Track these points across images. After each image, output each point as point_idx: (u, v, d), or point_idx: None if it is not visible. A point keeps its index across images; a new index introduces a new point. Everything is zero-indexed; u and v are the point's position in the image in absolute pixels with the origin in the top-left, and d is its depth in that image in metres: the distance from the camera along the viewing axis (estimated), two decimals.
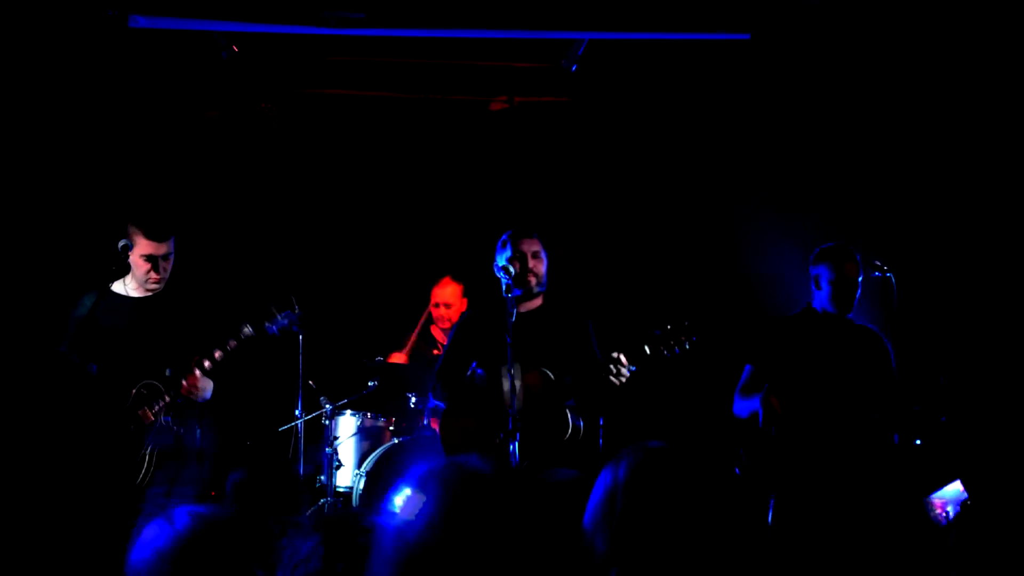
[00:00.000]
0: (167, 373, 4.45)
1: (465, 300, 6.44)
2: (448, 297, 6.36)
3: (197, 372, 4.42)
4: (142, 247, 4.45)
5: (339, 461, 6.00)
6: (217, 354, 4.44)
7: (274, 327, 4.57)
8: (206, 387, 4.49)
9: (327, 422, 6.02)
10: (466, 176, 7.20)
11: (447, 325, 6.34)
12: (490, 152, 7.17)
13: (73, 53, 6.26)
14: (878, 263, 4.74)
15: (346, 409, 6.14)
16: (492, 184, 7.17)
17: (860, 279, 4.72)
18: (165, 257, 4.49)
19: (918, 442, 4.65)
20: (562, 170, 7.21)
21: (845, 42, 5.94)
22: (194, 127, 6.86)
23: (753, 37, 5.76)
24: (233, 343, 4.46)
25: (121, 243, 4.43)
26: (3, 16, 5.62)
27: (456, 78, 6.92)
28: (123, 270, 4.48)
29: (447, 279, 6.46)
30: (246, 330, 4.47)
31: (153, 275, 4.47)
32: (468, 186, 7.20)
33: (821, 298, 4.78)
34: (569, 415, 4.61)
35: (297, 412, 6.00)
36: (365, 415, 6.20)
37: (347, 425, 6.17)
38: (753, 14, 5.67)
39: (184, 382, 4.42)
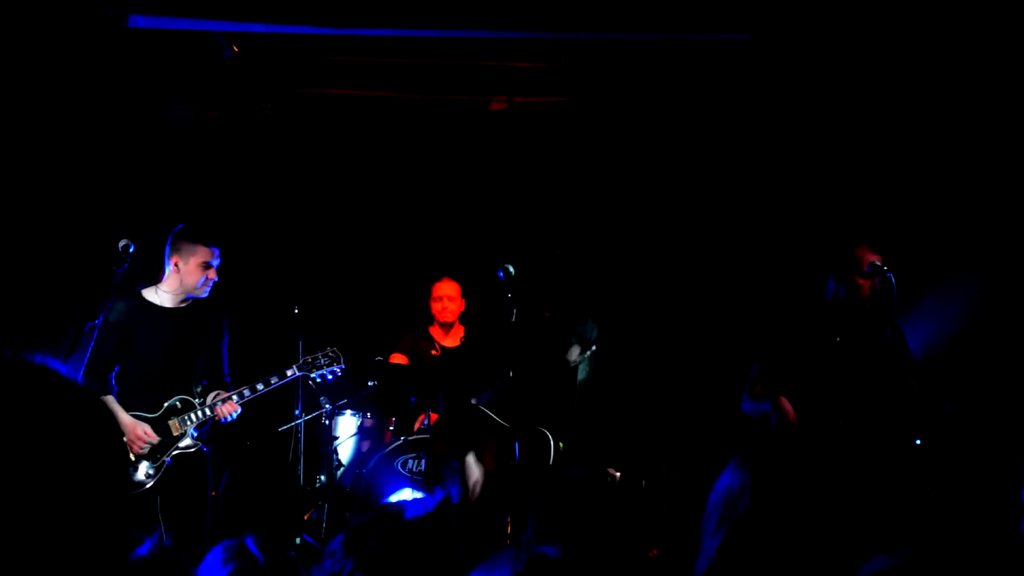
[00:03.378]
0: (197, 389, 4.55)
1: (463, 299, 6.46)
2: (448, 292, 6.40)
3: (235, 399, 4.55)
4: (202, 255, 4.60)
5: (339, 461, 6.00)
6: (260, 386, 4.58)
7: (317, 377, 4.81)
8: (239, 412, 4.65)
9: (327, 422, 6.02)
10: (466, 176, 7.20)
11: (447, 319, 6.38)
12: (490, 152, 7.17)
13: (72, 53, 6.26)
14: (878, 263, 4.72)
15: (346, 409, 6.14)
16: (492, 184, 7.17)
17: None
18: (218, 265, 4.67)
19: (918, 442, 4.64)
20: (562, 170, 7.21)
21: (847, 41, 5.94)
22: (193, 127, 6.84)
23: (753, 37, 5.76)
24: (275, 381, 4.59)
25: (122, 243, 4.45)
26: (3, 18, 5.62)
27: (456, 78, 6.92)
28: (137, 272, 4.58)
29: (447, 278, 6.49)
30: (290, 372, 4.62)
31: (210, 283, 4.64)
32: (468, 186, 7.20)
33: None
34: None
35: (297, 412, 6.02)
36: (365, 415, 6.21)
37: (347, 425, 6.18)
38: (753, 14, 5.66)
39: (221, 407, 4.58)
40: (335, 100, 6.94)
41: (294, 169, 7.09)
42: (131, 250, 4.46)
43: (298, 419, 5.98)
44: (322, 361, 4.71)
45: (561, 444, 4.50)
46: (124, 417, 4.51)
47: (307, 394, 6.06)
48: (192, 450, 4.58)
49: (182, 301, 4.67)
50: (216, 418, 4.58)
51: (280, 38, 5.90)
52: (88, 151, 6.73)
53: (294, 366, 4.66)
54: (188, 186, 6.91)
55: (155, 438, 4.50)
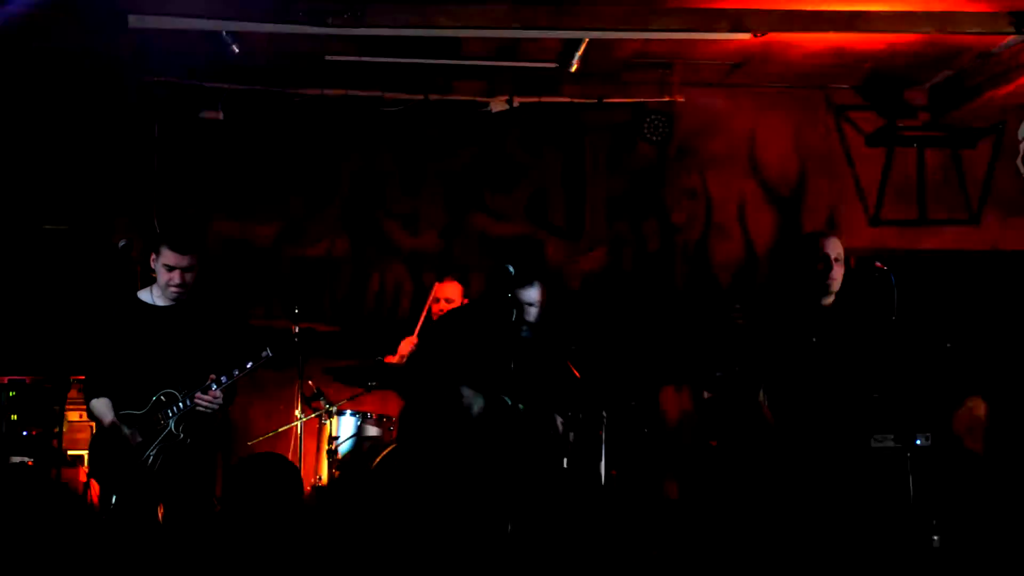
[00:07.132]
0: (182, 382, 4.55)
1: (466, 300, 6.46)
2: (450, 293, 6.38)
3: (215, 387, 4.55)
4: (165, 257, 4.56)
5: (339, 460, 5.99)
6: (236, 373, 4.58)
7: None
8: (221, 400, 4.60)
9: (327, 422, 6.02)
10: (466, 176, 7.19)
11: None
12: (490, 152, 7.17)
13: (69, 53, 6.28)
14: (877, 263, 4.67)
15: (346, 409, 6.14)
16: (492, 184, 7.17)
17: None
18: (187, 269, 4.59)
19: (918, 442, 4.61)
20: (562, 170, 7.21)
21: None
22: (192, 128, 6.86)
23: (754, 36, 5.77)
24: (251, 364, 4.57)
25: (122, 243, 4.45)
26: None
27: (456, 78, 6.92)
28: (136, 271, 4.57)
29: (449, 278, 6.48)
30: (265, 353, 4.60)
31: (173, 285, 4.58)
32: (468, 186, 7.19)
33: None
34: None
35: (297, 412, 6.02)
36: (365, 415, 6.20)
37: (347, 425, 6.17)
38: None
39: (200, 397, 4.54)
40: (335, 100, 6.92)
41: (293, 169, 7.09)
42: (131, 250, 4.46)
43: (298, 419, 5.98)
44: (292, 337, 4.71)
45: (521, 406, 4.50)
46: (108, 420, 4.54)
47: (307, 394, 6.06)
48: (177, 442, 4.56)
49: (174, 299, 4.67)
50: (198, 407, 4.53)
51: (279, 38, 5.90)
52: (90, 151, 6.74)
53: (267, 348, 4.64)
54: (190, 186, 6.93)
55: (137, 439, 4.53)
